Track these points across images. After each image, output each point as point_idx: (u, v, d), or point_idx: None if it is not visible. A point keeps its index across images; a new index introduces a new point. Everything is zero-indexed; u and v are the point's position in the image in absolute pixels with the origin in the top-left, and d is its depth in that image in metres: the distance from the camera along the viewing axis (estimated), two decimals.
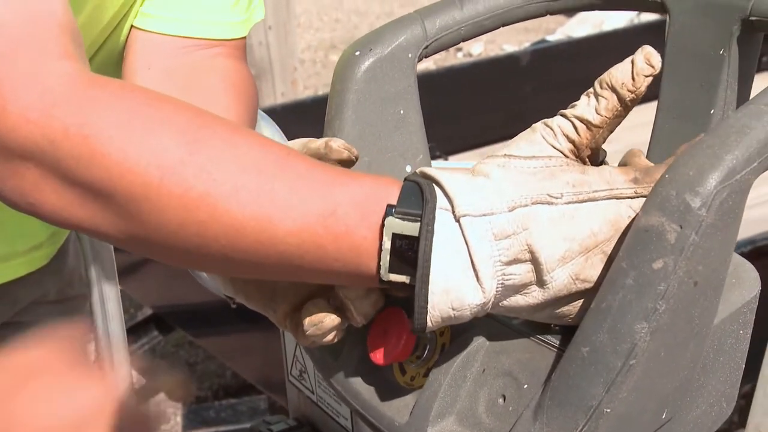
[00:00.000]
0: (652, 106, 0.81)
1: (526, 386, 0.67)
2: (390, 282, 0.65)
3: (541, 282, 0.65)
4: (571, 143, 0.69)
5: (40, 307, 1.21)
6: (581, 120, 0.69)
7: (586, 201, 0.65)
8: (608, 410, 0.61)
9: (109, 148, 0.63)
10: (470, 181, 0.65)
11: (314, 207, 0.64)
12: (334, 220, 0.65)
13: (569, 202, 0.64)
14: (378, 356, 0.73)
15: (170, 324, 2.84)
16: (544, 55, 4.01)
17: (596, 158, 0.71)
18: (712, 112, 0.77)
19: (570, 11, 0.88)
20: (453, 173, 0.66)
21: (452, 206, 0.64)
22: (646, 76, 0.68)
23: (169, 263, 0.71)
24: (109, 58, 1.00)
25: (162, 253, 0.69)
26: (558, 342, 0.69)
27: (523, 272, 0.64)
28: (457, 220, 0.63)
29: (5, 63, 0.65)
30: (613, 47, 4.07)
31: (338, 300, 0.72)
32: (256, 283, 0.75)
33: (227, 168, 0.64)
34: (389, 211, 0.64)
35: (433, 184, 0.65)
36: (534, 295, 0.65)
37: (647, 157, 0.83)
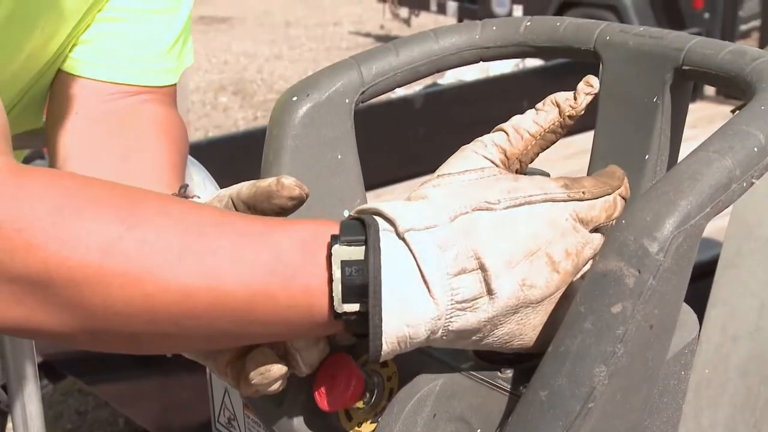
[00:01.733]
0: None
1: (479, 431, 0.68)
2: (345, 314, 0.64)
3: (489, 290, 0.65)
4: (503, 153, 0.72)
5: None
6: (516, 129, 0.72)
7: (523, 205, 0.67)
8: None
9: (44, 237, 0.61)
10: (408, 204, 0.67)
11: (259, 257, 0.64)
12: (281, 266, 0.64)
13: (507, 207, 0.66)
14: (325, 402, 0.72)
15: (60, 371, 2.75)
16: (436, 98, 4.08)
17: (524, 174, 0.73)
18: (646, 157, 0.79)
19: (502, 58, 0.90)
20: (390, 202, 0.67)
21: (395, 226, 0.65)
22: (586, 94, 0.73)
23: (120, 349, 0.69)
24: (32, 102, 0.97)
25: (111, 339, 0.67)
26: (509, 385, 0.69)
27: (471, 283, 0.65)
28: (402, 237, 0.64)
29: None
30: (501, 90, 4.18)
31: (283, 349, 0.71)
32: None
33: (167, 236, 0.63)
34: (334, 241, 0.65)
35: (372, 214, 0.66)
36: (484, 309, 0.65)
37: None
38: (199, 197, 0.83)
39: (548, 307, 0.68)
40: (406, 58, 0.88)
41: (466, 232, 0.65)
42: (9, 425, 1.41)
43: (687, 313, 0.73)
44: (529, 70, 4.66)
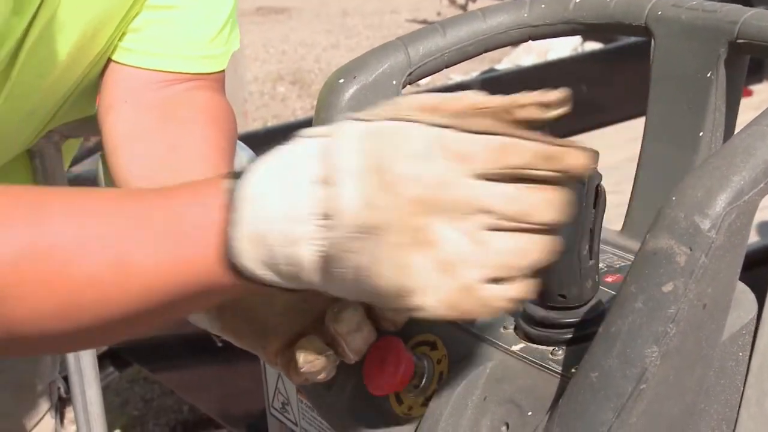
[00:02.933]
0: None
1: (530, 413, 0.67)
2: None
3: (339, 206, 0.58)
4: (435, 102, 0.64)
5: None
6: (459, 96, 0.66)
7: (390, 120, 0.60)
8: None
9: None
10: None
11: (161, 227, 0.63)
12: (183, 227, 0.62)
13: (373, 120, 0.60)
14: (374, 386, 0.72)
15: (126, 359, 2.79)
16: (493, 83, 4.04)
17: None
18: (701, 134, 0.78)
19: (552, 36, 0.88)
20: None
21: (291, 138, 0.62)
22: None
23: (51, 352, 0.69)
24: (85, 91, 0.98)
25: (40, 344, 0.67)
26: (560, 367, 0.68)
27: (328, 196, 0.59)
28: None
29: None
30: (559, 75, 4.13)
31: (329, 336, 0.71)
32: (246, 320, 0.74)
33: (70, 231, 0.63)
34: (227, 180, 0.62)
35: None
36: (336, 228, 0.58)
37: (635, 178, 0.83)
38: None
39: (395, 238, 0.58)
40: (453, 39, 0.87)
41: (334, 141, 0.60)
42: (70, 415, 1.44)
43: (743, 292, 0.71)
44: (588, 53, 4.60)
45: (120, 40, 0.95)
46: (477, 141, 0.59)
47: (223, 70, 1.00)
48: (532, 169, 0.59)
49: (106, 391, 2.92)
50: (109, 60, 0.96)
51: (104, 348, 2.75)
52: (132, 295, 0.63)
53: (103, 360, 2.72)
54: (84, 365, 1.22)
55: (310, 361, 0.70)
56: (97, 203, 0.65)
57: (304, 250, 0.60)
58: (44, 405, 1.25)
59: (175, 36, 0.95)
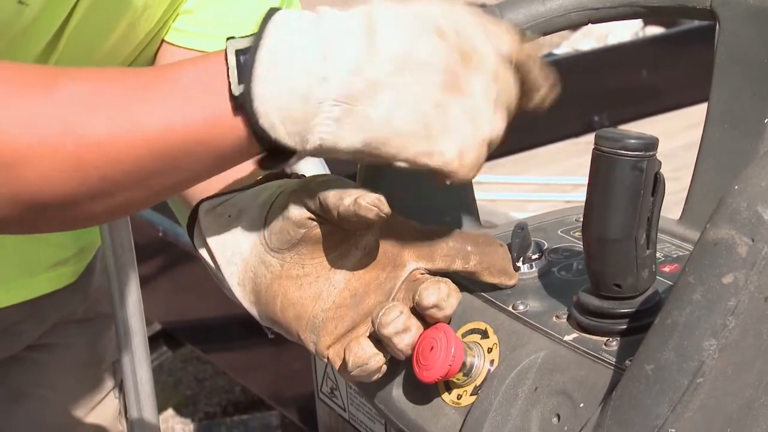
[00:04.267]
0: None
1: (582, 405, 0.65)
2: (241, 97, 0.65)
3: (372, 42, 0.65)
4: None
5: (67, 327, 1.19)
6: None
7: None
8: (673, 430, 0.59)
9: None
10: None
11: (169, 91, 0.67)
12: (193, 92, 0.67)
13: None
14: (424, 373, 0.71)
15: (179, 339, 2.82)
16: (552, 68, 3.99)
17: None
18: (766, 121, 0.75)
19: (612, 20, 0.86)
20: None
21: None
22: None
23: (62, 223, 0.74)
24: None
25: (54, 213, 0.69)
26: (614, 359, 0.67)
27: (354, 41, 0.65)
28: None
29: None
30: (619, 60, 4.07)
31: (379, 336, 0.70)
32: (295, 315, 0.73)
33: (78, 96, 0.66)
34: (229, 40, 0.67)
35: None
36: (369, 67, 0.64)
37: (696, 166, 0.81)
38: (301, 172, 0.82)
39: (431, 77, 0.65)
40: (510, 22, 0.85)
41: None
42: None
43: None
44: (649, 38, 4.52)
45: (173, 21, 0.94)
46: (503, 25, 0.68)
47: None
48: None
49: (160, 370, 2.96)
50: (163, 41, 0.95)
51: (158, 328, 2.78)
52: (138, 154, 0.66)
53: (156, 340, 2.75)
54: (135, 344, 1.22)
55: (359, 365, 0.70)
56: (101, 72, 0.69)
57: (328, 91, 0.64)
58: (108, 384, 1.27)
59: (227, 17, 0.94)
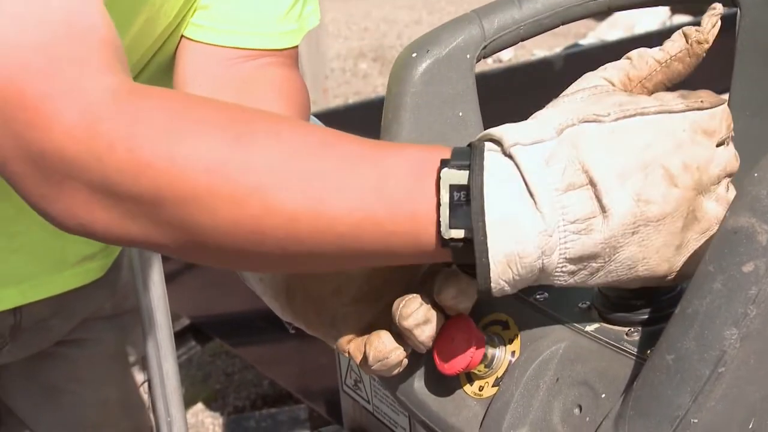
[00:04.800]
0: None
1: (603, 396, 0.65)
2: (451, 240, 0.62)
3: (602, 207, 0.61)
4: (625, 75, 0.69)
5: (96, 323, 1.20)
6: (641, 55, 0.69)
7: (635, 116, 0.63)
8: (695, 420, 0.58)
9: (153, 157, 0.62)
10: (516, 124, 0.64)
11: (366, 182, 0.63)
12: (388, 192, 0.63)
13: (617, 119, 0.62)
14: (445, 365, 0.71)
15: (207, 334, 2.83)
16: (577, 59, 3.97)
17: None
18: None
19: (631, 7, 0.85)
20: (502, 126, 0.65)
21: (501, 144, 0.62)
22: (711, 16, 0.68)
23: (225, 266, 0.70)
24: (159, 69, 0.98)
25: (218, 257, 0.68)
26: (636, 349, 0.66)
27: (582, 200, 0.61)
28: (507, 154, 0.62)
29: (47, 82, 0.64)
30: None
31: (399, 328, 0.70)
32: (315, 309, 0.73)
33: (272, 159, 0.63)
34: (443, 165, 0.62)
35: (482, 140, 0.64)
36: (599, 229, 0.61)
37: None
38: None
39: (671, 226, 0.63)
40: (529, 11, 0.85)
41: (573, 145, 0.61)
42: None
43: None
44: (676, 27, 4.49)
45: (192, 16, 0.95)
46: (715, 114, 0.64)
47: (296, 47, 0.99)
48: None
49: (189, 365, 2.97)
50: (182, 37, 0.96)
51: (186, 323, 2.80)
52: (322, 239, 0.63)
53: (185, 334, 2.76)
54: (160, 338, 1.23)
55: (380, 360, 0.70)
56: (302, 137, 0.65)
57: (555, 257, 0.62)
58: (138, 378, 1.28)
59: (246, 12, 0.94)
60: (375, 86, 5.81)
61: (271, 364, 2.61)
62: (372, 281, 0.73)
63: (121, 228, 0.65)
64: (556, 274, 0.63)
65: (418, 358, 0.75)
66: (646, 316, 0.68)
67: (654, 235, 0.62)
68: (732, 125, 0.66)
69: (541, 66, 3.91)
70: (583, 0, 0.85)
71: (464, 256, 0.63)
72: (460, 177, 0.62)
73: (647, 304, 0.69)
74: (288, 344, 2.40)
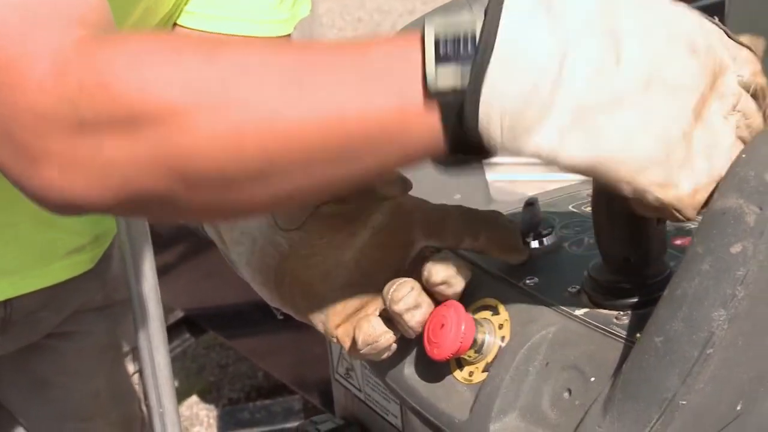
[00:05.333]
0: None
1: (593, 379, 0.65)
2: (438, 93, 0.58)
3: (618, 57, 0.57)
4: None
5: (86, 314, 1.19)
6: None
7: None
8: (684, 402, 0.58)
9: (125, 86, 0.60)
10: None
11: (348, 73, 0.60)
12: (370, 72, 0.59)
13: None
14: (435, 351, 0.71)
15: (201, 326, 2.83)
16: None
17: None
18: None
19: None
20: None
21: None
22: None
23: (212, 207, 0.65)
24: None
25: (206, 188, 0.62)
26: (625, 333, 0.66)
27: (600, 43, 0.57)
28: None
29: (22, 41, 0.62)
30: None
31: (389, 313, 0.70)
32: (304, 295, 0.73)
33: (246, 66, 0.60)
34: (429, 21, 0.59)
35: None
36: (609, 76, 0.57)
37: None
38: None
39: (682, 101, 0.58)
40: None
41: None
42: None
43: None
44: None
45: (186, 4, 0.94)
46: (742, 52, 0.62)
47: (289, 35, 0.99)
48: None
49: (183, 357, 2.97)
50: (175, 24, 0.95)
51: (180, 315, 2.80)
52: (308, 137, 0.60)
53: (179, 327, 2.76)
54: (152, 330, 1.23)
55: (369, 344, 0.70)
56: (274, 47, 0.62)
57: (563, 97, 0.57)
58: (129, 370, 1.27)
59: (238, 0, 0.94)
60: None
61: (265, 355, 2.60)
62: (361, 266, 0.73)
63: (101, 185, 0.62)
64: (548, 123, 0.57)
65: (408, 343, 0.75)
66: (636, 300, 0.68)
67: (663, 102, 0.58)
68: (760, 83, 0.62)
69: None
70: None
71: (455, 111, 0.58)
72: (449, 25, 0.59)
73: (637, 287, 0.69)
74: (282, 335, 2.40)
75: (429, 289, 0.71)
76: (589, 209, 0.82)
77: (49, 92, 0.61)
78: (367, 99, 0.59)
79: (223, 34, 0.95)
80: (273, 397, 2.74)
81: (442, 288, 0.70)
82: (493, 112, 0.57)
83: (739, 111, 0.61)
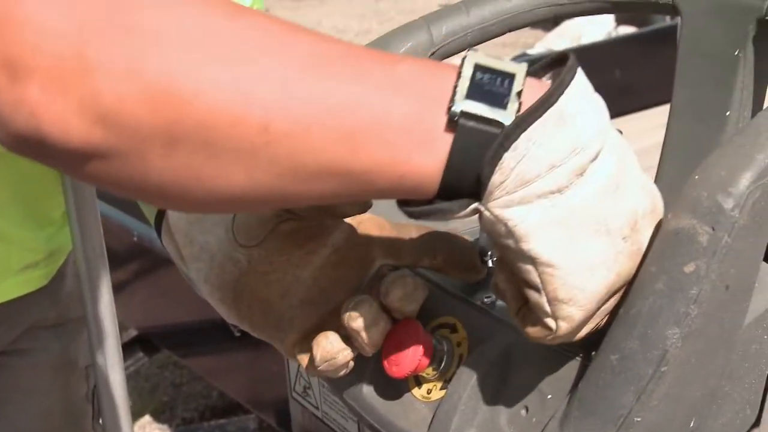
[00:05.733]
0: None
1: (549, 397, 0.66)
2: (462, 116, 0.55)
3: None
4: None
5: (39, 332, 1.18)
6: None
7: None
8: (638, 419, 0.59)
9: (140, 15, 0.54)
10: None
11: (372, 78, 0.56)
12: (394, 79, 0.57)
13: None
14: (394, 369, 0.71)
15: (155, 345, 2.81)
16: None
17: None
18: (727, 113, 0.76)
19: (578, 15, 0.87)
20: None
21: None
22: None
23: (196, 166, 0.57)
24: None
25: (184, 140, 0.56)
26: (581, 350, 0.67)
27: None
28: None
29: None
30: (593, 60, 4.09)
31: (347, 330, 0.70)
32: (262, 311, 0.73)
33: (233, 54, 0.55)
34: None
35: None
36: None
37: (661, 159, 0.82)
38: None
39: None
40: (476, 18, 0.86)
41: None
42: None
43: None
44: (622, 38, 4.55)
45: None
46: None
47: None
48: None
49: (136, 376, 2.94)
50: None
51: (134, 334, 2.77)
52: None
53: (132, 345, 2.74)
54: (107, 348, 1.22)
55: (327, 360, 0.70)
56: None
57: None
58: (82, 388, 1.26)
59: None
60: None
61: (220, 374, 2.59)
62: (319, 283, 0.73)
63: (80, 112, 0.54)
64: (537, 206, 0.57)
65: (366, 361, 0.75)
66: None
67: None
68: None
69: None
70: (531, 8, 0.86)
71: (472, 139, 0.56)
72: (493, 63, 0.57)
73: None
74: (237, 354, 2.39)
75: (387, 307, 0.71)
76: None
77: (52, 6, 0.54)
78: (386, 101, 0.56)
79: None
80: (228, 416, 2.73)
81: (399, 305, 0.70)
82: (513, 159, 0.56)
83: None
